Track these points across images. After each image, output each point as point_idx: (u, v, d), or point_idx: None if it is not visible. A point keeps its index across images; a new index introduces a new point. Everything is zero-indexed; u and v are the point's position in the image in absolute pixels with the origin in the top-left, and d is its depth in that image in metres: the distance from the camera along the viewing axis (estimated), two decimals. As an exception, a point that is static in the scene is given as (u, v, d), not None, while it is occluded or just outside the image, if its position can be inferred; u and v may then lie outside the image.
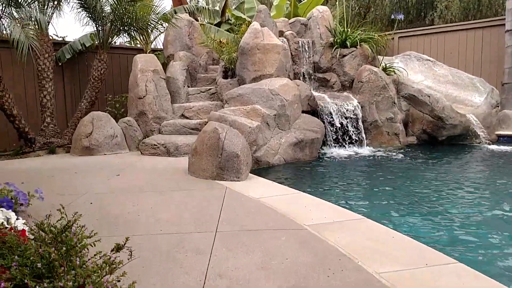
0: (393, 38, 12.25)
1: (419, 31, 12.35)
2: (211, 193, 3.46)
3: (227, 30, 10.17)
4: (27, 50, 5.49)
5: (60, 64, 8.31)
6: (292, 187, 4.27)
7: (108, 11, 7.21)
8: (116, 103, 7.55)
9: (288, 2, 10.56)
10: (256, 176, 4.21)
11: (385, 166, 5.99)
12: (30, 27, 5.87)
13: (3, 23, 5.97)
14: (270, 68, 6.88)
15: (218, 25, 10.26)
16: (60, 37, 8.69)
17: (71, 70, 8.54)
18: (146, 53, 8.94)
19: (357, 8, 22.43)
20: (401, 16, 8.63)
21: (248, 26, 8.09)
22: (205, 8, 9.89)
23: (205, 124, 6.14)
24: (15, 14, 5.99)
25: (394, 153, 6.96)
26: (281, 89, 6.49)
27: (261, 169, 5.75)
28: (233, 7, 11.19)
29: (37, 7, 6.40)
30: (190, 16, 9.63)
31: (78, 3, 7.19)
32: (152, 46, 9.54)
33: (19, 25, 5.71)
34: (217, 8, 10.49)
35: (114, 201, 3.26)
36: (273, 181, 4.87)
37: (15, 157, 6.41)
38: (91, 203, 3.24)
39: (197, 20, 10.32)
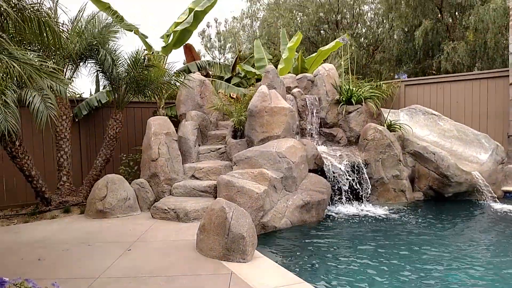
0: (399, 86, 12.52)
1: (425, 79, 12.60)
2: (217, 281, 3.64)
3: (237, 84, 10.55)
4: (45, 119, 5.84)
5: (77, 120, 8.68)
6: (296, 267, 4.45)
7: (124, 74, 7.59)
8: (130, 161, 7.85)
9: (296, 56, 10.94)
10: (261, 255, 4.37)
11: (389, 231, 6.10)
12: (48, 96, 6.22)
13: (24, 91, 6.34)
14: (277, 129, 7.14)
15: (229, 80, 10.66)
16: (77, 94, 9.09)
17: (87, 126, 8.91)
18: (159, 107, 9.31)
19: (365, 45, 22.98)
20: (404, 76, 8.87)
21: (256, 81, 8.45)
22: (217, 63, 10.29)
23: (214, 187, 6.42)
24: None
25: (398, 212, 7.08)
26: (288, 151, 6.72)
27: (268, 235, 5.92)
28: (243, 62, 11.62)
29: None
30: (202, 70, 10.06)
31: (95, 67, 7.61)
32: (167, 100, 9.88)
33: (38, 94, 6.08)
34: (227, 62, 10.90)
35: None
36: (280, 254, 5.07)
37: (32, 217, 6.68)
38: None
39: (209, 75, 10.74)
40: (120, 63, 7.60)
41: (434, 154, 7.95)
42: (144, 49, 9.82)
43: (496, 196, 7.87)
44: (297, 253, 5.16)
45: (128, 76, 7.57)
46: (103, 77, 7.75)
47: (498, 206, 7.47)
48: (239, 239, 4.13)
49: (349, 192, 7.54)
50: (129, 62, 7.56)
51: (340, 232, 6.13)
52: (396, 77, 9.61)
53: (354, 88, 8.61)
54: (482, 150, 8.43)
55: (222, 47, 25.65)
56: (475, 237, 5.74)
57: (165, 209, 5.95)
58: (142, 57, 7.39)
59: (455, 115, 11.48)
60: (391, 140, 7.87)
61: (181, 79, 7.95)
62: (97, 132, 9.04)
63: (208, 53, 25.11)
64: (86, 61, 7.55)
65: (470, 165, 8.25)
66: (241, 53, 17.01)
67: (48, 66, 5.14)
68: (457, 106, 11.58)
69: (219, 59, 18.73)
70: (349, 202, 7.58)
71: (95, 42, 7.16)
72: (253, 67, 11.30)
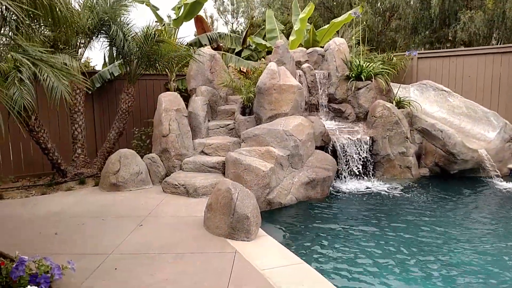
0: (412, 58, 12.39)
1: (438, 52, 12.43)
2: (222, 260, 3.89)
3: (248, 57, 10.56)
4: (60, 95, 6.03)
5: (90, 92, 8.86)
6: (298, 245, 4.69)
7: (135, 49, 7.68)
8: (142, 135, 8.07)
9: (308, 27, 10.84)
10: (265, 234, 4.60)
11: (391, 206, 6.32)
12: (62, 71, 6.37)
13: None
14: (285, 107, 7.25)
15: (239, 52, 10.66)
16: (91, 67, 9.24)
17: (100, 98, 9.10)
18: (171, 80, 9.43)
19: (381, 10, 22.48)
20: (415, 53, 8.80)
21: (267, 53, 8.49)
22: (228, 35, 10.28)
23: (223, 164, 6.63)
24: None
25: (402, 189, 7.25)
26: (295, 129, 6.85)
27: (274, 211, 6.16)
28: (255, 34, 11.55)
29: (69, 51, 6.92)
30: (212, 43, 10.08)
31: (107, 41, 7.71)
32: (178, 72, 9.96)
33: (52, 72, 6.24)
34: (239, 31, 10.86)
35: (135, 269, 3.73)
36: (283, 231, 5.32)
37: (49, 188, 7.00)
38: (116, 269, 3.73)
39: (220, 47, 10.75)
40: (131, 38, 7.67)
41: (442, 131, 8.01)
42: (155, 21, 9.84)
43: (501, 174, 7.96)
44: (300, 231, 5.40)
45: (139, 50, 7.66)
46: (116, 51, 7.85)
47: (502, 184, 7.58)
48: (243, 219, 4.36)
49: (355, 168, 7.70)
50: (140, 37, 7.63)
51: (343, 209, 6.35)
52: (407, 53, 9.51)
53: (364, 64, 8.59)
54: (491, 127, 8.45)
55: (235, 11, 25.34)
56: (475, 216, 5.90)
57: (175, 184, 6.20)
58: (153, 32, 7.45)
59: (467, 90, 11.39)
60: (399, 117, 7.94)
61: (191, 53, 8.01)
62: (110, 104, 9.24)
63: (221, 17, 24.83)
64: (99, 36, 7.64)
65: (477, 142, 8.30)
66: (253, 19, 16.81)
67: (59, 59, 5.27)
68: (469, 81, 11.47)
69: (232, 23, 18.49)
70: (355, 178, 7.75)
71: (107, 17, 7.23)
72: (264, 39, 11.27)
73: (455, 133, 7.92)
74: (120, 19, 7.66)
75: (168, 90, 9.49)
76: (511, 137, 8.46)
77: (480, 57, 11.31)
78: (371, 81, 8.56)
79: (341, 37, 12.03)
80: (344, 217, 5.96)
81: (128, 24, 7.77)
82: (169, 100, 7.14)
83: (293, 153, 6.75)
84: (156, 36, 7.41)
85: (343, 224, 5.62)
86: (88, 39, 7.43)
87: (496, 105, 10.88)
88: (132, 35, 7.73)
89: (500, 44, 19.79)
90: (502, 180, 7.79)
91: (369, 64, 8.76)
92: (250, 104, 7.60)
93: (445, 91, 9.20)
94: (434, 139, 8.14)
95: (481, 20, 17.10)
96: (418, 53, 12.57)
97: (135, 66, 7.98)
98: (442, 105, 9.10)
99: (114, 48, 7.78)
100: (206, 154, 7.13)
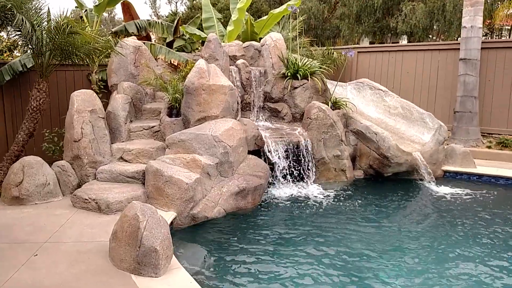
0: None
1: (378, 47, 12.36)
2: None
3: (181, 48, 9.83)
4: None
5: (-1, 86, 7.85)
6: (216, 268, 4.23)
7: (46, 40, 6.79)
8: (55, 137, 7.22)
9: (245, 18, 10.27)
10: (178, 266, 4.09)
11: (321, 215, 6.12)
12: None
13: None
14: (215, 109, 6.71)
15: (171, 43, 9.89)
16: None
17: (12, 93, 8.10)
18: (93, 72, 8.56)
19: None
20: (351, 53, 8.51)
21: (202, 44, 7.86)
22: (158, 23, 9.49)
23: (143, 173, 6.01)
24: None
25: (336, 193, 7.06)
26: (225, 135, 6.35)
27: (198, 226, 5.66)
28: (188, 23, 10.80)
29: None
30: (141, 31, 9.27)
31: (14, 31, 6.76)
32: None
33: None
34: (170, 23, 10.06)
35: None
36: (205, 250, 4.85)
37: None
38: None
39: (149, 37, 9.94)
40: (43, 28, 6.77)
41: (376, 134, 7.82)
42: (75, 7, 8.85)
43: (435, 176, 7.92)
44: (224, 249, 4.96)
45: (51, 42, 6.78)
46: (24, 43, 6.92)
47: (434, 188, 7.54)
48: (151, 252, 3.83)
49: (288, 173, 7.34)
50: (52, 27, 6.75)
51: (272, 220, 5.98)
52: (343, 52, 9.23)
53: (300, 63, 8.18)
54: (426, 129, 8.37)
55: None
56: (401, 222, 5.79)
57: (86, 199, 5.53)
58: (65, 22, 6.57)
59: (405, 86, 11.41)
60: (334, 120, 7.64)
61: (111, 45, 7.21)
62: (23, 100, 8.25)
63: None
64: (3, 25, 6.67)
65: (412, 145, 8.20)
66: (194, 2, 15.93)
67: None
68: (407, 77, 11.49)
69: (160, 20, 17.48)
70: (288, 183, 7.40)
71: (10, 4, 6.28)
72: (199, 29, 10.56)
73: (389, 136, 7.74)
74: (28, 5, 6.73)
75: (90, 82, 8.63)
76: (445, 139, 8.44)
77: (419, 53, 11.34)
78: (308, 80, 8.18)
79: (282, 28, 11.56)
80: (273, 230, 5.57)
81: (39, 11, 6.86)
82: (82, 99, 6.37)
83: (223, 161, 6.25)
84: (68, 26, 6.54)
85: (270, 238, 5.26)
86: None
87: (433, 103, 10.97)
88: (44, 24, 6.83)
89: (439, 36, 20.27)
90: (435, 183, 7.74)
91: (306, 62, 8.36)
92: (177, 104, 6.97)
93: (381, 90, 9.02)
94: (368, 141, 7.94)
95: (422, 12, 17.30)
96: (358, 48, 12.43)
97: (48, 58, 7.09)
98: (378, 105, 8.93)
99: (22, 39, 6.85)
100: (126, 161, 6.47)
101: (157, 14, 29.61)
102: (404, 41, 23.93)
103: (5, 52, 10.04)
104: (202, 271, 4.42)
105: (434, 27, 18.69)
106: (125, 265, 3.96)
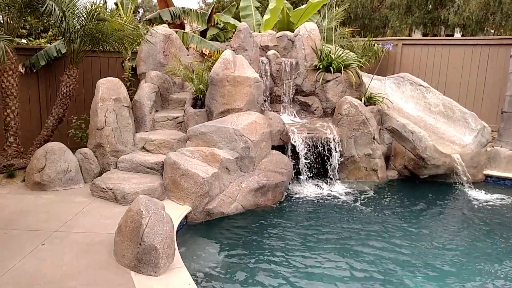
0: (397, 45, 11.61)
1: (424, 40, 11.70)
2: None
3: (214, 37, 9.66)
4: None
5: (34, 71, 8.01)
6: (229, 269, 4.06)
7: (77, 27, 6.83)
8: (82, 124, 7.28)
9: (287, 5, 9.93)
10: (180, 265, 3.95)
11: (346, 218, 5.76)
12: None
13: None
14: (239, 102, 6.50)
15: (204, 32, 9.74)
16: (35, 43, 8.35)
17: (47, 78, 8.25)
18: (126, 59, 8.57)
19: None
20: (389, 46, 8.00)
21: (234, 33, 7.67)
22: (193, 11, 9.36)
23: (162, 165, 5.93)
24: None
25: (365, 195, 6.69)
26: (247, 129, 6.14)
27: (212, 221, 5.52)
28: (224, 11, 10.59)
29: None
30: (175, 19, 9.18)
31: (46, 17, 6.84)
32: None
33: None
34: (205, 11, 9.90)
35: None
36: (217, 247, 4.70)
37: (-29, 180, 6.29)
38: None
39: (183, 26, 9.84)
40: (73, 14, 6.80)
41: (413, 133, 7.34)
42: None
43: (473, 181, 7.35)
44: (237, 248, 4.81)
45: (81, 29, 6.82)
46: (56, 30, 7.00)
47: (473, 193, 7.00)
48: (151, 250, 3.71)
49: (313, 170, 7.05)
50: (83, 14, 6.78)
51: (293, 219, 5.73)
52: (381, 45, 8.70)
53: (333, 55, 7.78)
54: (467, 130, 7.78)
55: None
56: (432, 232, 5.32)
57: (104, 188, 5.51)
58: (94, 10, 6.57)
59: (451, 82, 10.72)
60: (367, 116, 7.23)
61: (141, 33, 7.16)
62: (58, 85, 8.37)
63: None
64: (35, 11, 6.76)
65: (452, 146, 7.65)
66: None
67: None
68: (454, 72, 10.77)
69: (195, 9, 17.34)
70: (313, 181, 7.11)
71: (40, -9, 6.34)
72: (235, 18, 10.34)
73: (426, 136, 7.24)
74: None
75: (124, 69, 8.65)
76: (488, 141, 7.82)
77: (467, 48, 10.57)
78: (341, 73, 7.78)
79: (323, 18, 11.12)
80: (291, 231, 5.33)
81: (71, -2, 6.89)
82: (107, 87, 6.35)
83: (243, 156, 6.06)
84: (97, 13, 6.53)
85: (287, 239, 5.04)
86: (17, 14, 6.53)
87: (480, 102, 10.25)
88: (76, 11, 6.86)
89: (497, 30, 18.94)
90: (474, 188, 7.19)
91: (341, 54, 7.95)
92: (202, 95, 6.82)
93: (422, 86, 8.46)
94: (404, 140, 7.48)
95: (476, 4, 16.17)
96: (404, 40, 11.80)
97: (79, 45, 7.15)
98: (419, 101, 8.38)
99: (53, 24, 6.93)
100: (148, 151, 6.42)
101: (205, 1, 29.57)
102: (458, 34, 22.62)
103: (40, 36, 10.22)
104: (208, 270, 4.29)
105: (490, 20, 17.47)
106: (126, 261, 3.87)
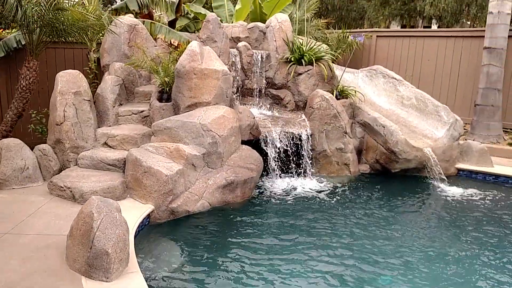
0: (371, 36, 11.54)
1: (398, 32, 11.67)
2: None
3: (184, 28, 9.37)
4: None
5: (-7, 63, 7.62)
6: (191, 271, 3.88)
7: (35, 16, 6.47)
8: (43, 118, 6.95)
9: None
10: (135, 270, 3.73)
11: (316, 213, 5.66)
12: None
13: None
14: (207, 95, 6.27)
15: (173, 22, 9.43)
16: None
17: (7, 70, 7.85)
18: (91, 50, 8.23)
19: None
20: (361, 38, 7.88)
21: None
22: (162, 0, 9.03)
23: (124, 161, 5.68)
24: None
25: (336, 190, 6.60)
26: (215, 123, 5.93)
27: (177, 220, 5.31)
28: (193, 1, 10.28)
29: None
30: (143, 9, 8.87)
31: None
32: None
33: None
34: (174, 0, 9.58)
35: None
36: (179, 248, 4.51)
37: None
38: None
39: (151, 15, 9.52)
40: (30, 3, 6.43)
41: (384, 127, 7.24)
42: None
43: (448, 174, 7.33)
44: (199, 247, 4.62)
45: (40, 19, 6.46)
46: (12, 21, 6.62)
47: (444, 188, 6.95)
48: (102, 255, 3.49)
49: (283, 165, 6.90)
50: (41, 2, 6.41)
51: (260, 216, 5.56)
52: (352, 37, 8.56)
53: (305, 47, 7.61)
54: (440, 124, 7.73)
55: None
56: (401, 226, 5.27)
57: (61, 187, 5.25)
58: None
59: (425, 74, 10.72)
60: (338, 110, 7.10)
61: (104, 23, 6.82)
62: (19, 78, 8.00)
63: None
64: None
65: (424, 140, 7.60)
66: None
67: None
68: (428, 65, 10.75)
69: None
70: (284, 176, 6.96)
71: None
72: (207, 8, 10.07)
73: (398, 130, 7.16)
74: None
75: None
76: (461, 135, 7.78)
77: (441, 39, 10.56)
78: (313, 66, 7.62)
79: (298, 8, 10.93)
80: (259, 228, 5.18)
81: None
82: (66, 80, 6.04)
83: (211, 151, 5.85)
84: (55, 2, 6.18)
85: (255, 237, 4.90)
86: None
87: (454, 94, 10.26)
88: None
89: (471, 23, 19.07)
90: (446, 182, 7.14)
91: (313, 47, 7.78)
92: (168, 88, 6.57)
93: (395, 79, 8.37)
94: (376, 134, 7.38)
95: (452, -5, 16.25)
96: (378, 31, 11.73)
97: (38, 36, 6.78)
98: (391, 94, 8.30)
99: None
100: (110, 147, 6.15)
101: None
102: (435, 26, 22.74)
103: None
104: (169, 273, 4.10)
105: (464, 11, 17.58)
106: (77, 265, 3.64)
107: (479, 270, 4.28)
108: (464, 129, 9.80)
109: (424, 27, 23.89)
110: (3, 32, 8.61)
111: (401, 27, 22.85)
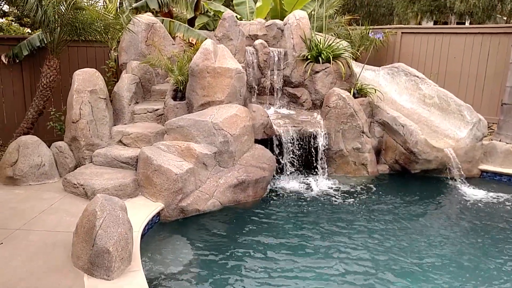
0: (396, 33, 11.24)
1: (424, 29, 11.30)
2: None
3: (204, 26, 9.38)
4: None
5: (17, 61, 7.83)
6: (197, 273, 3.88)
7: (55, 16, 6.62)
8: (61, 116, 7.11)
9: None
10: (137, 269, 3.75)
11: (330, 216, 5.54)
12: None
13: None
14: (220, 94, 6.26)
15: (192, 20, 9.44)
16: (19, 32, 8.16)
17: (31, 68, 8.04)
18: (111, 49, 8.36)
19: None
20: (379, 36, 7.67)
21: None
22: (182, -1, 9.07)
23: (136, 159, 5.74)
24: None
25: (351, 191, 6.46)
26: (227, 122, 5.91)
27: (188, 219, 5.32)
28: (213, -1, 10.28)
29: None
30: (163, 7, 8.93)
31: (18, 6, 6.63)
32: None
33: None
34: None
35: None
36: (186, 247, 4.52)
37: None
38: None
39: (171, 14, 9.57)
40: (51, 3, 6.58)
41: (403, 126, 7.04)
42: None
43: (468, 176, 7.07)
44: (207, 247, 4.62)
45: (60, 18, 6.60)
46: (33, 21, 6.79)
47: (466, 190, 6.70)
48: (103, 253, 3.52)
49: (298, 165, 6.81)
50: (61, 2, 6.55)
51: (271, 216, 5.50)
52: (370, 34, 8.32)
53: (323, 44, 7.47)
54: (463, 123, 7.46)
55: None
56: (419, 230, 5.08)
57: (75, 184, 5.35)
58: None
59: (451, 72, 10.35)
60: (355, 109, 6.94)
61: (121, 22, 6.91)
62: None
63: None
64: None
65: (446, 140, 7.35)
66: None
67: None
68: (454, 62, 10.38)
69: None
70: (300, 175, 6.88)
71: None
72: (227, 5, 10.04)
73: (417, 129, 6.94)
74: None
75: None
76: (484, 135, 7.48)
77: (468, 36, 10.15)
78: (331, 64, 7.48)
79: (320, 5, 10.78)
80: (270, 229, 5.12)
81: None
82: (83, 79, 6.14)
83: (222, 150, 5.83)
84: (72, 2, 6.30)
85: (265, 238, 4.84)
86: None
87: (480, 93, 9.88)
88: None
89: (508, 18, 18.32)
90: (467, 184, 6.89)
91: (331, 44, 7.64)
92: (182, 87, 6.58)
93: (417, 77, 8.12)
94: (395, 134, 7.19)
95: (484, -11, 15.63)
96: (403, 28, 11.40)
97: (58, 34, 6.93)
98: (413, 93, 8.06)
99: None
100: (125, 144, 6.23)
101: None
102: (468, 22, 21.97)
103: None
104: (175, 272, 4.12)
105: (497, 7, 16.88)
106: (80, 263, 3.69)
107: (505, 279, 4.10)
108: (491, 129, 9.44)
109: (457, 23, 23.14)
110: (25, 31, 8.84)
111: (434, 24, 22.23)
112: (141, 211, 4.95)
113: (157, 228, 5.07)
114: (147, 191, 5.37)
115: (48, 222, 4.64)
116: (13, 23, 11.22)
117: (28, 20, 6.73)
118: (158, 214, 5.17)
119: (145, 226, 4.68)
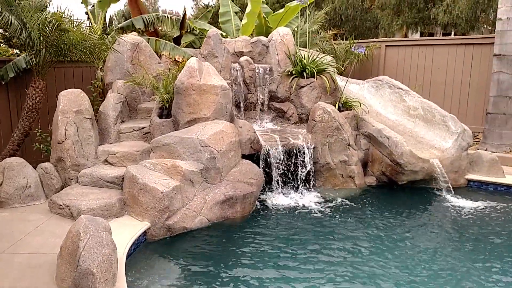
0: (380, 46, 11.44)
1: (407, 41, 11.52)
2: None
3: (190, 44, 9.47)
4: None
5: (3, 83, 7.83)
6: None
7: (40, 38, 6.65)
8: (47, 137, 7.10)
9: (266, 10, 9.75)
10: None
11: (318, 232, 5.50)
12: None
13: None
14: (206, 110, 6.29)
15: (178, 38, 9.54)
16: (5, 54, 8.18)
17: (17, 90, 8.06)
18: (98, 69, 8.40)
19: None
20: (362, 50, 7.80)
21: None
22: (167, 17, 9.17)
23: (122, 179, 5.72)
24: None
25: (338, 204, 6.47)
26: (213, 139, 5.93)
27: (175, 237, 5.30)
28: (199, 18, 10.41)
29: None
30: (149, 27, 9.02)
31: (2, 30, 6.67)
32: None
33: None
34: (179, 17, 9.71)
35: None
36: (172, 268, 4.50)
37: None
38: None
39: (157, 33, 9.66)
40: (35, 25, 6.61)
41: (389, 138, 7.12)
42: (81, 2, 8.70)
43: (455, 186, 7.13)
44: (195, 265, 4.58)
45: (44, 40, 6.63)
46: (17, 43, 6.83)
47: (453, 200, 6.75)
48: (87, 274, 3.50)
49: (285, 179, 6.84)
50: (45, 24, 6.59)
51: (260, 232, 5.47)
52: (353, 49, 8.46)
53: (307, 59, 7.58)
54: (447, 134, 7.55)
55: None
56: (406, 242, 5.07)
57: (60, 205, 5.32)
58: (52, 19, 6.36)
59: (435, 84, 10.54)
60: (340, 122, 7.02)
61: (108, 42, 6.97)
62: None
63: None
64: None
65: (431, 150, 7.43)
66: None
67: None
68: (438, 73, 10.58)
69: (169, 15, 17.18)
70: (285, 190, 6.90)
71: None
72: (213, 23, 10.16)
73: (402, 141, 7.02)
74: (24, 2, 6.61)
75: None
76: (469, 145, 7.58)
77: (451, 47, 10.38)
78: (315, 78, 7.57)
79: (305, 22, 10.94)
80: (259, 245, 5.09)
81: (32, 8, 6.68)
82: (68, 99, 6.16)
83: (209, 167, 5.84)
84: (57, 23, 6.34)
85: (253, 255, 4.82)
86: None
87: (465, 103, 10.05)
88: (38, 21, 6.67)
89: (491, 28, 18.68)
90: (454, 194, 6.94)
91: (315, 59, 7.75)
92: (168, 105, 6.62)
93: (401, 89, 8.24)
94: (380, 146, 7.26)
95: (465, 2, 15.96)
96: (387, 41, 11.61)
97: (44, 56, 6.96)
98: (397, 105, 8.17)
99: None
100: (111, 164, 6.22)
101: (197, 5, 29.32)
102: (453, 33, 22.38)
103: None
104: (159, 292, 4.08)
105: (480, 18, 17.24)
106: (65, 285, 3.67)
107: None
108: (477, 138, 9.58)
109: (443, 34, 23.58)
110: (12, 53, 8.86)
111: (420, 35, 22.62)
112: (126, 230, 4.93)
113: (143, 247, 5.04)
114: (133, 210, 5.35)
115: (33, 244, 4.60)
116: (1, 44, 11.27)
117: (17, 41, 6.75)
118: (145, 233, 5.14)
119: (131, 246, 4.66)
